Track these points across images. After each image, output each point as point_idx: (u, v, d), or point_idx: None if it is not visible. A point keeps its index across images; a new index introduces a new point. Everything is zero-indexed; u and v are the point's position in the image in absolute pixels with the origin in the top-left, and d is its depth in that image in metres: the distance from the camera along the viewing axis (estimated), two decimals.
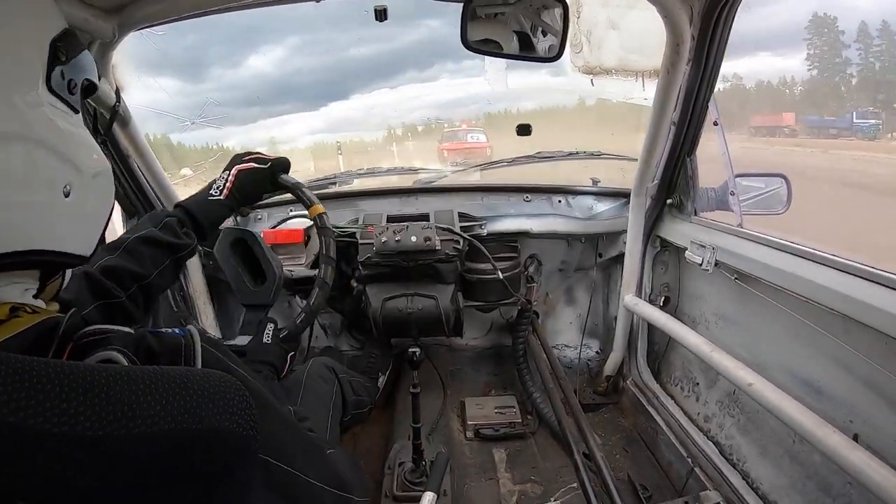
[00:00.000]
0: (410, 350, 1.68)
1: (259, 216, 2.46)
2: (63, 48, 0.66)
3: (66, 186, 0.63)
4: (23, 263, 0.60)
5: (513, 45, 1.49)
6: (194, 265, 2.21)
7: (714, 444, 1.80)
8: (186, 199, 1.35)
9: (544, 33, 1.47)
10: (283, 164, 1.46)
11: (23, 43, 0.61)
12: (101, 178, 0.72)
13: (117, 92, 1.54)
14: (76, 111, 0.69)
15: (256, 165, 1.41)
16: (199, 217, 1.29)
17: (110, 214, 0.78)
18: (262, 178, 1.42)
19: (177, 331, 0.65)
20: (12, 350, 0.52)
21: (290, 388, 1.57)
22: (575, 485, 1.87)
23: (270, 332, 1.43)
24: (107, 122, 1.26)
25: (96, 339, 0.58)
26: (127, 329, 0.61)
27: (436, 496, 1.42)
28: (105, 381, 0.47)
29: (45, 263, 0.65)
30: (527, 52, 1.50)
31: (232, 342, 1.55)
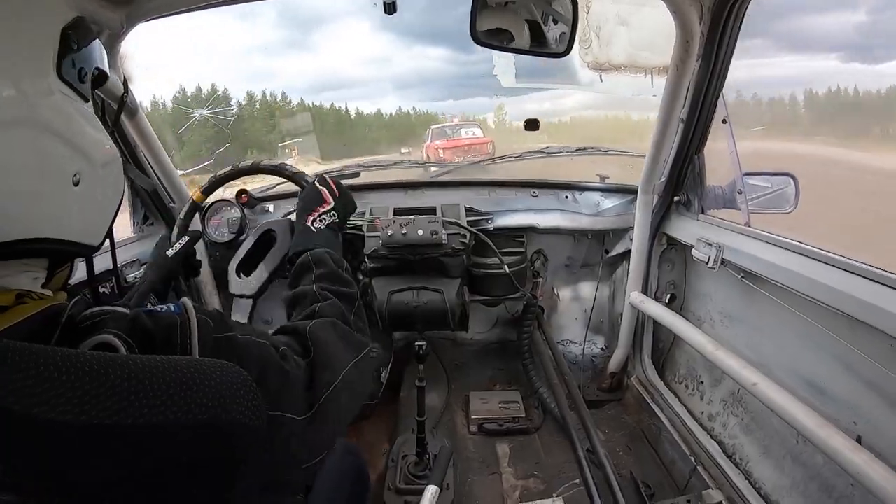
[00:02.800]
0: (417, 343, 1.69)
1: (266, 208, 2.46)
2: (74, 36, 0.66)
3: (75, 175, 0.64)
4: (31, 251, 0.60)
5: (524, 36, 1.48)
6: (201, 253, 2.20)
7: (717, 442, 1.80)
8: None
9: (555, 21, 1.46)
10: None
11: (34, 30, 0.62)
12: (110, 167, 0.73)
13: (125, 83, 1.54)
14: (86, 100, 0.70)
15: None
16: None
17: (119, 204, 0.79)
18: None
19: (171, 307, 0.65)
20: (17, 337, 0.53)
21: None
22: (578, 481, 1.87)
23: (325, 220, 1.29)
24: (114, 112, 1.28)
25: (94, 322, 0.59)
26: (123, 309, 0.62)
27: (438, 490, 1.43)
28: (112, 371, 0.47)
29: (54, 252, 0.65)
30: (537, 43, 1.48)
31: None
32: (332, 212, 1.31)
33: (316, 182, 1.37)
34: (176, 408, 0.49)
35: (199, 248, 2.18)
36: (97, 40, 0.74)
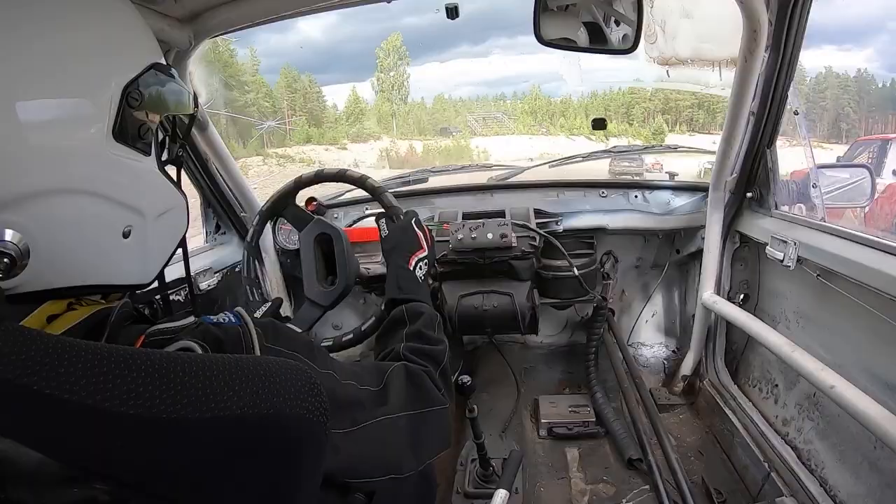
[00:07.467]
0: (461, 379, 1.66)
1: (336, 215, 2.52)
2: (136, 93, 0.66)
3: (126, 227, 0.67)
4: (80, 293, 0.65)
5: (586, 38, 1.48)
6: (272, 261, 2.30)
7: (792, 448, 1.71)
8: None
9: (617, 23, 1.45)
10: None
11: (92, 91, 0.62)
12: (167, 216, 0.76)
13: (195, 98, 1.66)
14: (146, 153, 0.70)
15: None
16: None
17: (177, 246, 0.83)
18: None
19: (232, 319, 0.69)
20: None
21: None
22: (647, 487, 1.85)
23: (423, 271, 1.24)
24: (185, 127, 1.39)
25: (168, 337, 0.62)
26: (189, 320, 0.66)
27: (508, 494, 1.41)
28: (180, 368, 0.50)
29: (104, 292, 0.70)
30: (600, 43, 1.49)
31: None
32: (427, 260, 1.24)
33: (413, 222, 1.29)
34: (242, 403, 0.52)
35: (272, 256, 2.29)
36: (174, 85, 0.76)
